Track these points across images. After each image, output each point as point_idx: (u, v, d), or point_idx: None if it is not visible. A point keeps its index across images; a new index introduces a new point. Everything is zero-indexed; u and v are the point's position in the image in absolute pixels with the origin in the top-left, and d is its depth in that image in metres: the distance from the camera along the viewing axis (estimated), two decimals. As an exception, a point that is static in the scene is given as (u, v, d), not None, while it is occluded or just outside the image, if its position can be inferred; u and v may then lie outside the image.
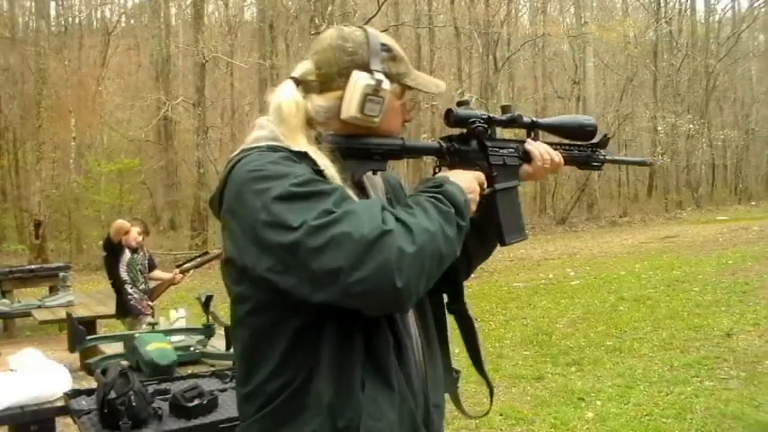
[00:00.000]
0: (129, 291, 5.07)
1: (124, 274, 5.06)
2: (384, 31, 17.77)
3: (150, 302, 5.19)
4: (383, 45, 1.22)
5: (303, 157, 1.13)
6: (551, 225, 21.67)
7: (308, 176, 1.08)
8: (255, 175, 1.08)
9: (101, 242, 5.53)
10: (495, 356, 5.83)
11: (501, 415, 4.25)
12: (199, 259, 4.69)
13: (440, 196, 1.14)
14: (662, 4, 27.58)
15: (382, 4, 13.77)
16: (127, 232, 5.05)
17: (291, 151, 1.13)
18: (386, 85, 1.18)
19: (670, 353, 5.46)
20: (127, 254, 5.08)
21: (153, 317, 5.09)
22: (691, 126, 23.68)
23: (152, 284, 5.29)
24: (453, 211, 1.12)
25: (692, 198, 25.98)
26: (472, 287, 10.01)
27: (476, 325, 1.42)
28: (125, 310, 5.10)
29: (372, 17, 13.71)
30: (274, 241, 1.03)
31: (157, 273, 5.48)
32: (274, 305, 1.12)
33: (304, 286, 1.03)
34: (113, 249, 5.07)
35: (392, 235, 1.02)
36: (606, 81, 27.69)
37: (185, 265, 4.78)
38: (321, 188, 1.07)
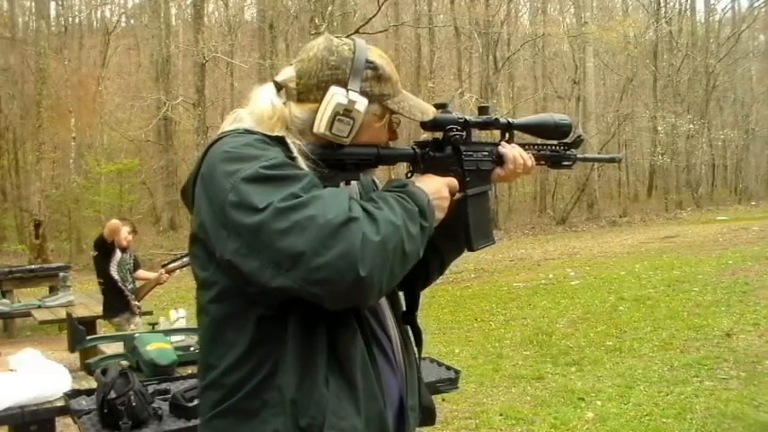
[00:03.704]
0: (123, 287, 5.10)
1: (115, 274, 5.09)
2: (384, 31, 17.70)
3: (137, 302, 5.21)
4: (369, 63, 1.20)
5: (279, 142, 1.12)
6: (551, 225, 21.67)
7: (279, 160, 1.07)
8: (227, 156, 1.08)
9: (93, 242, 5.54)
10: (495, 356, 5.83)
11: (501, 415, 4.25)
12: (185, 259, 4.67)
13: (404, 195, 1.14)
14: (662, 4, 27.59)
15: (382, 4, 13.75)
16: (119, 232, 5.07)
17: (268, 136, 1.13)
18: (360, 106, 1.16)
19: (670, 353, 5.46)
20: (118, 254, 5.12)
21: (140, 317, 5.13)
22: (691, 126, 23.69)
23: (137, 284, 5.31)
24: (417, 209, 1.12)
25: (692, 198, 25.97)
26: (472, 287, 10.01)
27: (424, 338, 1.41)
28: (116, 309, 5.10)
29: (372, 17, 13.70)
30: (240, 222, 1.01)
31: (142, 273, 5.50)
32: (238, 293, 1.10)
33: (265, 270, 1.01)
34: (106, 249, 5.10)
35: (358, 222, 1.01)
36: (606, 81, 27.70)
37: (171, 265, 4.76)
38: (291, 172, 1.06)
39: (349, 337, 1.14)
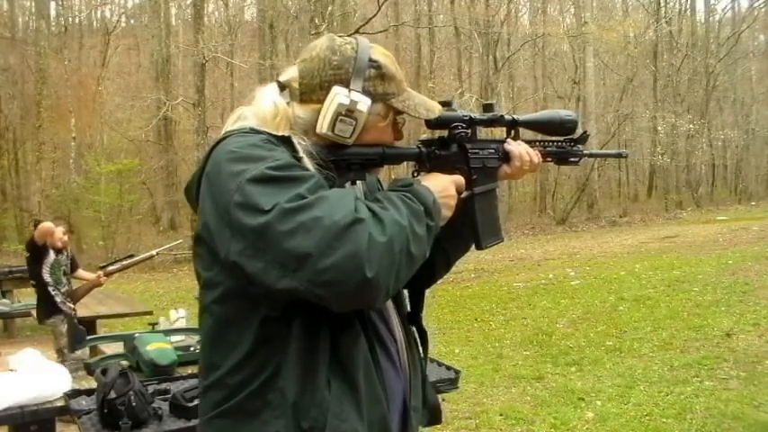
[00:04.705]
0: (53, 293, 5.00)
1: (47, 276, 4.99)
2: (384, 31, 17.69)
3: (72, 305, 5.10)
4: (372, 62, 1.18)
5: (285, 142, 1.12)
6: (551, 225, 21.67)
7: (285, 161, 1.06)
8: (233, 156, 1.07)
9: (28, 243, 5.40)
10: (495, 356, 5.83)
11: (501, 415, 4.25)
12: (124, 262, 4.60)
13: (409, 194, 1.13)
14: (662, 4, 27.58)
15: (382, 4, 13.76)
16: (52, 234, 5.01)
17: (274, 135, 1.12)
18: (362, 106, 1.15)
19: (670, 353, 5.46)
20: (51, 255, 5.02)
21: (75, 318, 5.04)
22: (691, 126, 23.69)
23: (75, 285, 5.24)
24: (422, 209, 1.11)
25: (692, 198, 25.98)
26: (472, 287, 10.01)
27: (429, 339, 1.40)
28: (48, 311, 5.02)
29: (372, 17, 13.71)
30: (245, 223, 1.00)
31: (81, 273, 5.41)
32: (242, 293, 1.09)
33: (271, 271, 1.00)
34: (37, 251, 5.02)
35: (364, 223, 1.00)
36: (606, 81, 27.70)
37: (110, 268, 4.69)
38: (297, 173, 1.05)
39: (352, 339, 1.13)
